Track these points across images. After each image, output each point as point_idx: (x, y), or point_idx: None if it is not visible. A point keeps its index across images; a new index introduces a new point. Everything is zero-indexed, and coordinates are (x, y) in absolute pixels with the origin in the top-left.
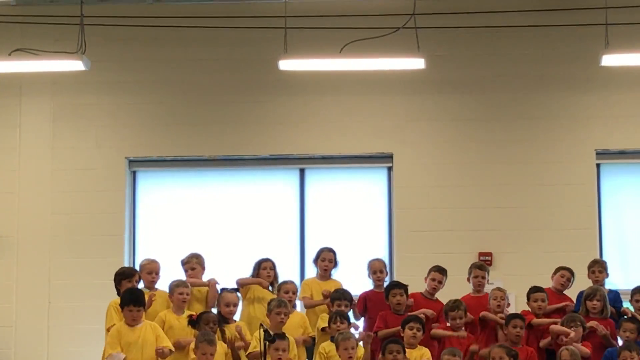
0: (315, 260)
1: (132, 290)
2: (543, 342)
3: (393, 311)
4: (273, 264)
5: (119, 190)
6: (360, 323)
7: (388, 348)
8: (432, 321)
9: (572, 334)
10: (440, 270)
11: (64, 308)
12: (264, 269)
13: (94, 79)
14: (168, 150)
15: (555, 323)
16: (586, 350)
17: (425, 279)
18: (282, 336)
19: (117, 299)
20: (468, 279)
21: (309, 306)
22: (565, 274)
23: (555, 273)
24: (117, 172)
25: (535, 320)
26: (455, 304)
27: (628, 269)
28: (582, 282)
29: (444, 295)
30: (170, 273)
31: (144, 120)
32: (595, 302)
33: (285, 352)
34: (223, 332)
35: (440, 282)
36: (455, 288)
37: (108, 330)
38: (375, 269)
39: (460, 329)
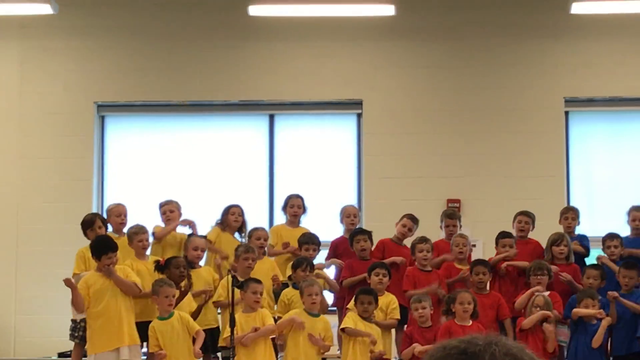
0: (284, 208)
1: (103, 238)
2: (518, 302)
3: (358, 257)
4: (241, 209)
5: (87, 135)
6: (331, 271)
7: (360, 298)
8: (402, 268)
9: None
10: (413, 219)
11: (32, 252)
12: (232, 214)
13: (62, 23)
14: (137, 95)
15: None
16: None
17: (397, 224)
18: (256, 280)
19: (85, 247)
20: (441, 227)
21: (272, 255)
22: (522, 219)
23: (513, 220)
24: (86, 117)
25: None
26: (422, 238)
27: (595, 216)
28: (552, 229)
29: None
30: (139, 218)
31: (113, 64)
32: (562, 247)
33: (262, 296)
34: (189, 277)
35: (410, 230)
36: (424, 234)
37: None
38: (349, 212)
39: (427, 265)
